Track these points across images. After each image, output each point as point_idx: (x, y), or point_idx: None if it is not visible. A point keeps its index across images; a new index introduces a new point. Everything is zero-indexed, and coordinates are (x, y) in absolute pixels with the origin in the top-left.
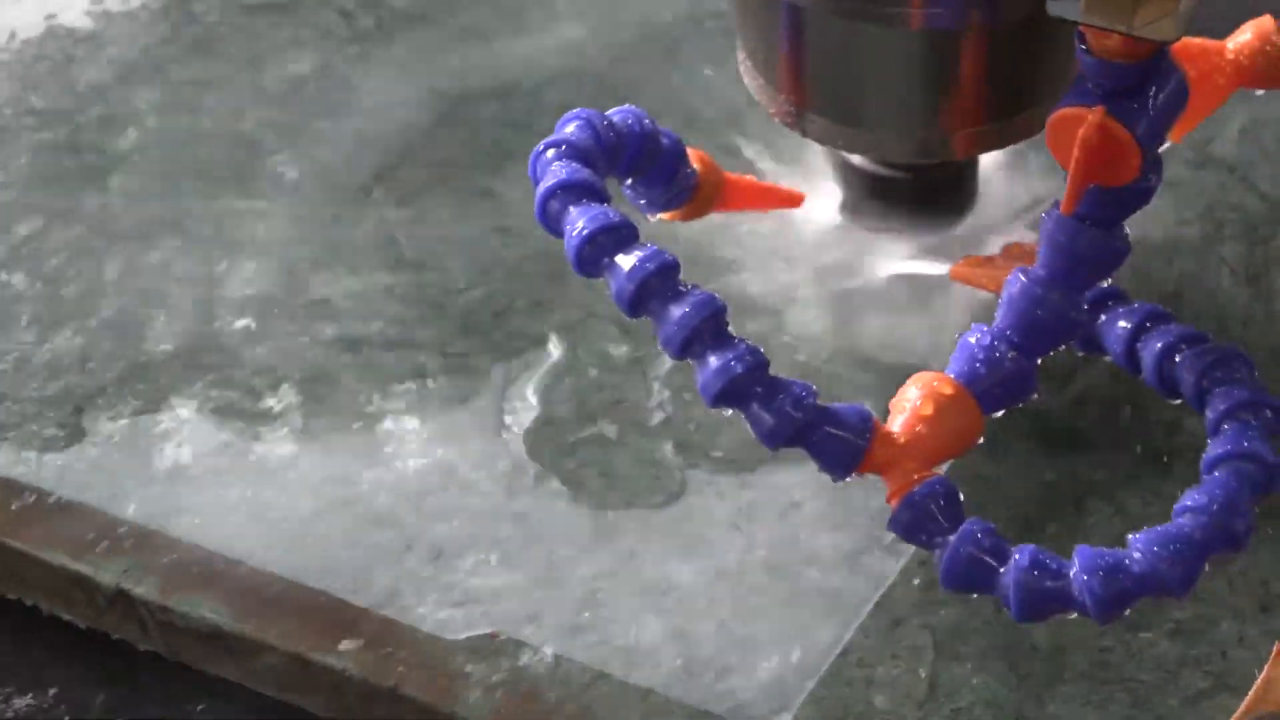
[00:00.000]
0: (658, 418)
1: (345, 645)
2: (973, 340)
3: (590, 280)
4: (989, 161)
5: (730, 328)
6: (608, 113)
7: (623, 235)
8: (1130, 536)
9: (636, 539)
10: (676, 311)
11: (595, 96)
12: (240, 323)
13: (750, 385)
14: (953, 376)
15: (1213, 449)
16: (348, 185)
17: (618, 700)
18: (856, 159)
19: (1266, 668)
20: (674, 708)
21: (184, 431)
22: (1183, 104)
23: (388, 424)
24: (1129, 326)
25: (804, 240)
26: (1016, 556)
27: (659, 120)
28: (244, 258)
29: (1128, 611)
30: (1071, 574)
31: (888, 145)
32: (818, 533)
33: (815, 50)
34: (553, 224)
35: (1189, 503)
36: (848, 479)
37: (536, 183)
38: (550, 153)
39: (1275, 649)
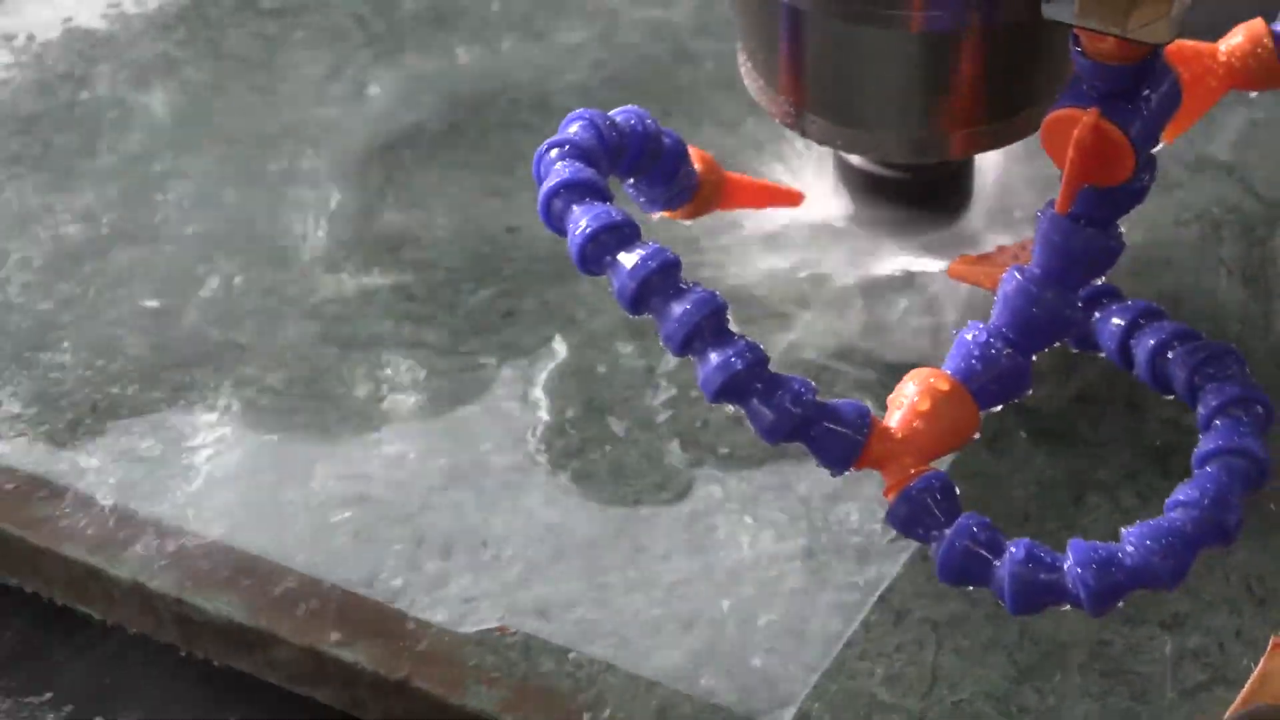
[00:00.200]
0: (664, 415)
1: (357, 639)
2: (969, 337)
3: (597, 280)
4: (985, 161)
5: (731, 325)
6: (611, 113)
7: (625, 234)
8: (1124, 530)
9: (644, 534)
10: (678, 309)
11: (603, 98)
12: (252, 322)
13: (750, 381)
14: (949, 373)
15: (1204, 444)
16: (359, 186)
17: (626, 692)
18: (856, 159)
19: (1263, 660)
20: (681, 699)
21: (198, 429)
22: (1176, 105)
23: (397, 422)
24: (1122, 324)
25: (804, 239)
26: (1012, 550)
27: (664, 122)
28: (256, 258)
29: (1121, 604)
30: (1065, 567)
31: (886, 145)
32: (822, 528)
33: (815, 52)
34: (556, 222)
35: (1181, 497)
36: (846, 473)
37: (540, 182)
38: (554, 152)
39: (1271, 642)
